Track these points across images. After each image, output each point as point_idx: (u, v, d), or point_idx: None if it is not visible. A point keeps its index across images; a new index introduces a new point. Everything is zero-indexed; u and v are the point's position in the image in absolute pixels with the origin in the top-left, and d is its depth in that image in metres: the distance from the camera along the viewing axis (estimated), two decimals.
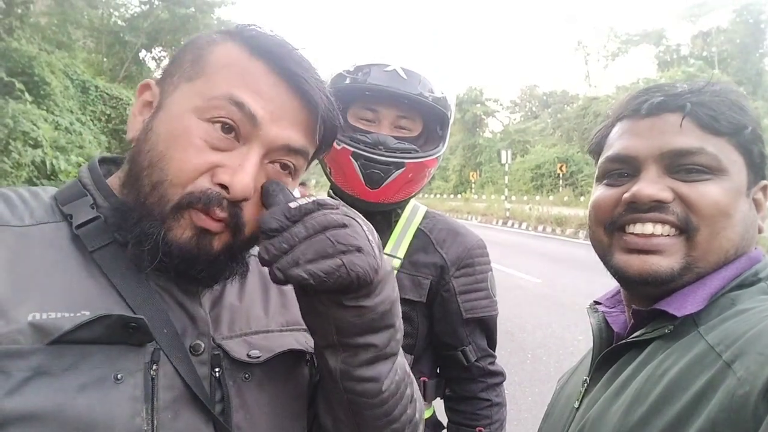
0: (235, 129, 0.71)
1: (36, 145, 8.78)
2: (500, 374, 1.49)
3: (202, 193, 0.69)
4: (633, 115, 0.85)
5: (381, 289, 0.70)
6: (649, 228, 0.80)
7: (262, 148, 0.73)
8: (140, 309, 0.69)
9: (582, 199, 26.14)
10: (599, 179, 0.89)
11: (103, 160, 0.82)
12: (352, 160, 1.30)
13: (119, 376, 0.65)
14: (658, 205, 0.79)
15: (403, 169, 1.31)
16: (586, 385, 0.87)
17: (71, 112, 11.23)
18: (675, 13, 47.49)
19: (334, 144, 1.30)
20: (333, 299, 0.68)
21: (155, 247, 0.69)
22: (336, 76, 1.37)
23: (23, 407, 0.59)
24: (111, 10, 16.60)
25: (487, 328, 1.46)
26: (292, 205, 0.65)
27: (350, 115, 1.38)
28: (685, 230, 0.78)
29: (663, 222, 0.79)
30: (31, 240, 0.69)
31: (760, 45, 40.44)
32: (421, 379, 1.45)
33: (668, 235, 0.79)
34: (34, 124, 8.85)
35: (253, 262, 0.90)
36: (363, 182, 1.31)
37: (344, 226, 0.66)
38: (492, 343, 1.50)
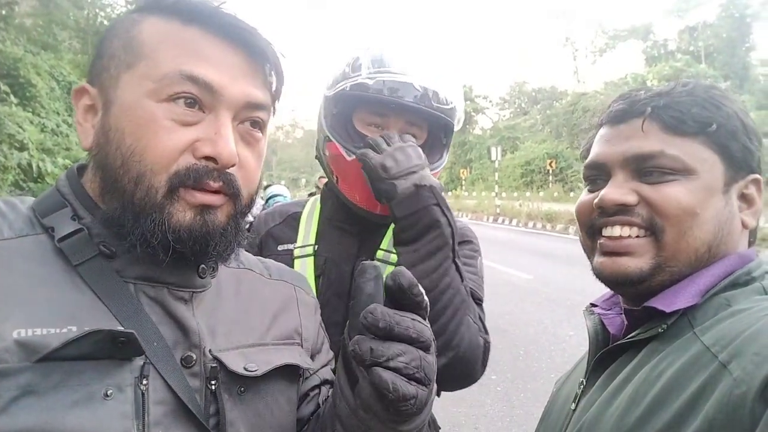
0: (197, 101, 0.70)
1: (22, 147, 8.70)
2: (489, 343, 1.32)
3: (189, 170, 0.68)
4: (607, 122, 0.88)
5: (419, 417, 0.69)
6: (617, 231, 0.83)
7: (230, 111, 0.71)
8: (128, 322, 0.67)
9: (572, 194, 26.28)
10: (584, 184, 0.93)
11: (81, 168, 0.79)
12: (365, 173, 1.27)
13: (108, 392, 0.63)
14: (623, 209, 0.81)
15: None
16: (582, 386, 0.87)
17: (58, 113, 11.14)
18: (662, 8, 47.86)
19: (344, 153, 1.30)
20: (376, 414, 0.67)
21: (164, 238, 0.68)
22: (358, 84, 1.29)
23: (11, 427, 0.57)
24: (97, 11, 16.45)
25: (476, 303, 1.35)
26: (416, 289, 0.63)
27: (356, 120, 1.34)
28: (652, 231, 0.80)
29: (629, 224, 0.81)
30: (11, 253, 0.66)
31: (746, 39, 40.81)
32: None
33: (637, 236, 0.81)
34: (20, 127, 8.78)
35: (245, 274, 0.90)
36: (373, 196, 1.29)
37: (429, 347, 0.65)
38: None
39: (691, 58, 39.36)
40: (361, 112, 1.34)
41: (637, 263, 0.80)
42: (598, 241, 0.85)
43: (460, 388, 1.35)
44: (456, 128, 1.39)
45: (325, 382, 0.93)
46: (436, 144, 1.39)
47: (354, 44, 1.40)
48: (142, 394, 0.65)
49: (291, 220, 1.48)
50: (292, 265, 1.36)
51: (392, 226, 1.42)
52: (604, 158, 0.86)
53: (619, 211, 0.81)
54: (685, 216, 0.78)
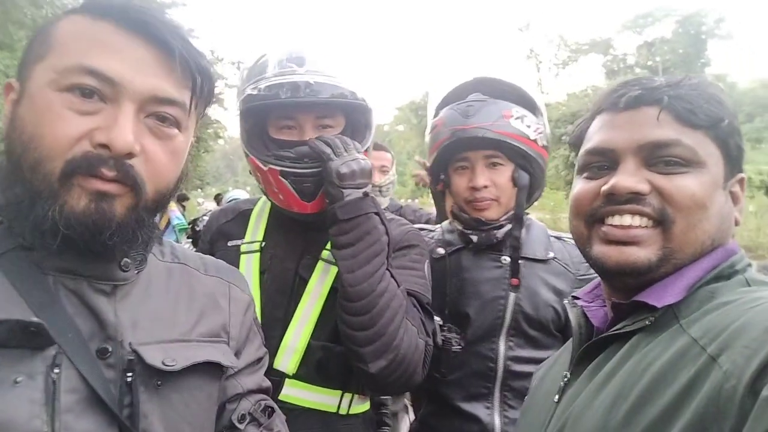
0: (95, 92, 0.70)
1: None
2: (430, 346, 1.28)
3: (83, 157, 0.68)
4: (612, 108, 0.85)
5: None
6: (627, 219, 0.80)
7: (133, 103, 0.71)
8: (42, 313, 0.68)
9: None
10: (579, 172, 0.90)
11: None
12: (282, 179, 1.29)
13: (18, 379, 0.64)
14: (635, 197, 0.79)
15: None
16: (566, 379, 0.86)
17: None
18: (621, 24, 49.23)
19: (260, 165, 1.31)
20: None
21: (54, 224, 0.67)
22: (245, 96, 1.32)
23: None
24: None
25: (421, 307, 1.31)
26: None
27: (270, 129, 1.35)
28: (661, 222, 0.78)
29: (640, 214, 0.79)
30: None
31: (701, 55, 42.40)
32: None
33: (645, 227, 0.79)
34: None
35: (179, 269, 0.90)
36: (298, 197, 1.30)
37: None
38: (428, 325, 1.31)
39: (650, 72, 40.62)
40: (271, 119, 1.34)
41: (646, 253, 0.78)
42: (601, 229, 0.83)
43: (402, 391, 1.33)
44: (369, 107, 1.37)
45: (249, 392, 0.93)
46: (358, 128, 1.39)
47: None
48: (53, 382, 0.66)
49: (241, 217, 1.49)
50: (238, 261, 1.36)
51: None
52: (614, 144, 0.82)
53: (631, 199, 0.79)
54: (696, 209, 0.77)
